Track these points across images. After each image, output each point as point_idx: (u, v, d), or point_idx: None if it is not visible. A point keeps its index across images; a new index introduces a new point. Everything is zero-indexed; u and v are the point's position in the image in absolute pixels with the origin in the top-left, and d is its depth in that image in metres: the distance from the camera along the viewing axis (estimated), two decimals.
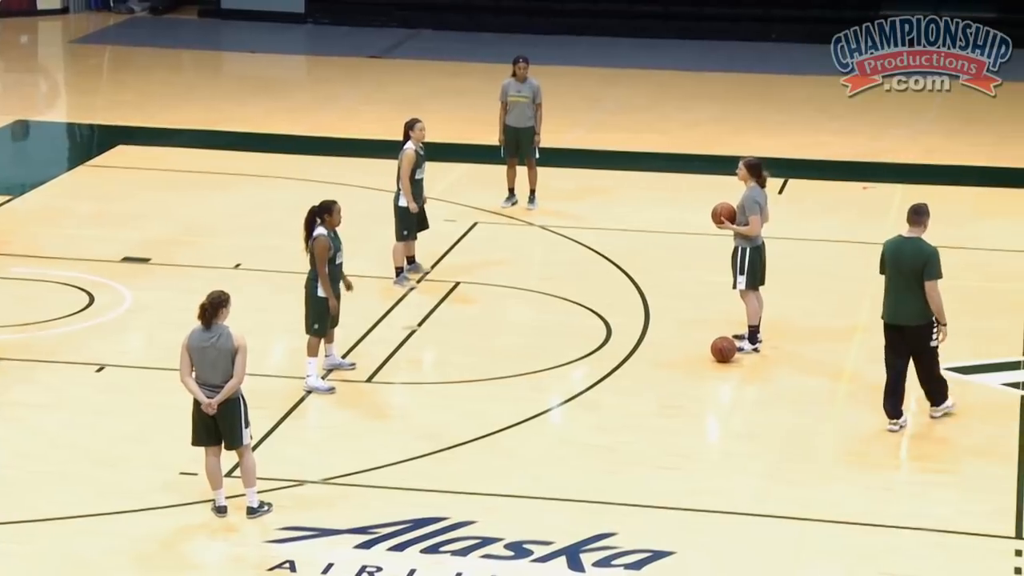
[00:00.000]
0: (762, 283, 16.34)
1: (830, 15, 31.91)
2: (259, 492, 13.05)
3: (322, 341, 15.50)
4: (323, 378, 15.53)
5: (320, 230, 15.16)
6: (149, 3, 34.56)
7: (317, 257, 15.16)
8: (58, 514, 13.01)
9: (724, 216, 16.19)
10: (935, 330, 14.49)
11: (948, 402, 14.95)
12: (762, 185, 16.22)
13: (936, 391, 14.87)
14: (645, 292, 18.07)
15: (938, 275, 14.42)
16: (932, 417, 14.91)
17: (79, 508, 13.10)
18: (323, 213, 15.22)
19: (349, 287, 15.52)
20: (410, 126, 17.97)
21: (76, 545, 12.58)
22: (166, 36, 32.61)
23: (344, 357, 16.02)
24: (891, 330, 14.64)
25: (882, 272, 14.76)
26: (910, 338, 14.52)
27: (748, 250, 16.15)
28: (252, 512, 12.94)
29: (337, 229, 15.37)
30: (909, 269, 14.44)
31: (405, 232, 18.05)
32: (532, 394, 15.50)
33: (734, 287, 16.30)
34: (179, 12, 34.74)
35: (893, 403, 14.65)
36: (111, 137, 24.78)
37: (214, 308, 12.81)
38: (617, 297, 17.94)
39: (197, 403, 12.85)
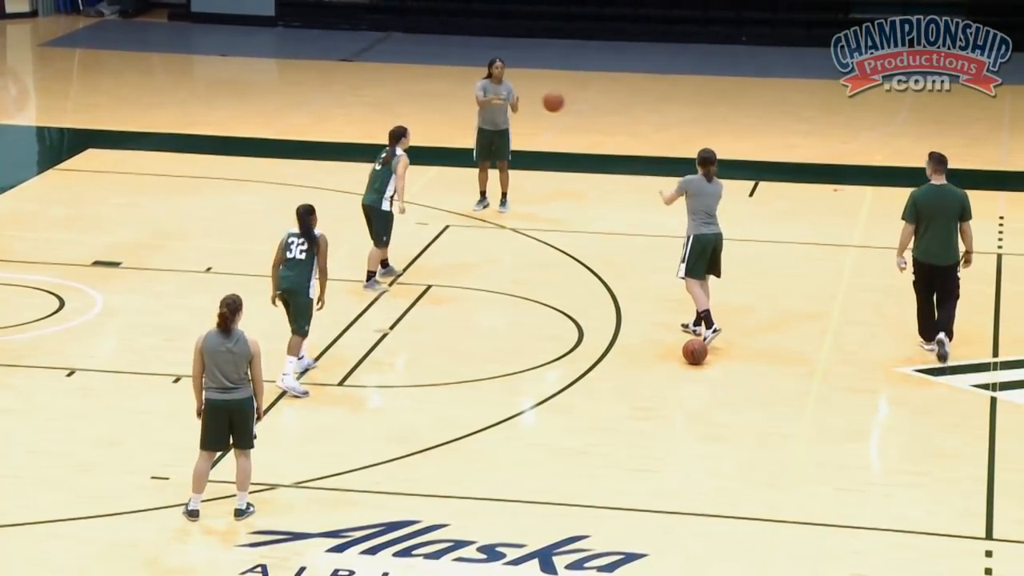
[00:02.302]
0: (716, 275, 16.46)
1: (800, 18, 32.09)
2: (230, 496, 13.03)
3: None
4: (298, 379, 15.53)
5: (319, 230, 15.37)
6: (119, 6, 34.46)
7: (325, 254, 15.34)
8: (29, 519, 12.97)
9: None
10: (961, 256, 16.13)
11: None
12: (707, 177, 16.30)
13: (951, 326, 16.19)
14: (617, 295, 18.10)
15: (971, 215, 16.11)
16: (943, 353, 16.02)
17: (50, 513, 13.06)
18: (312, 214, 15.42)
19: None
20: (403, 133, 18.03)
21: (47, 550, 12.54)
22: (136, 39, 32.52)
23: (316, 360, 16.03)
24: (928, 269, 16.07)
25: (908, 219, 16.03)
26: (946, 276, 16.06)
27: (690, 239, 16.29)
28: (240, 514, 12.95)
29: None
30: (949, 213, 15.99)
31: (385, 238, 18.07)
32: (504, 397, 15.51)
33: (676, 275, 16.42)
34: (149, 15, 34.66)
35: (928, 327, 16.19)
36: (81, 140, 24.71)
37: (233, 313, 12.83)
38: (589, 300, 17.96)
39: (211, 406, 12.82)
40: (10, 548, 12.58)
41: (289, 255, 15.42)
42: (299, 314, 15.44)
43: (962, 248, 16.14)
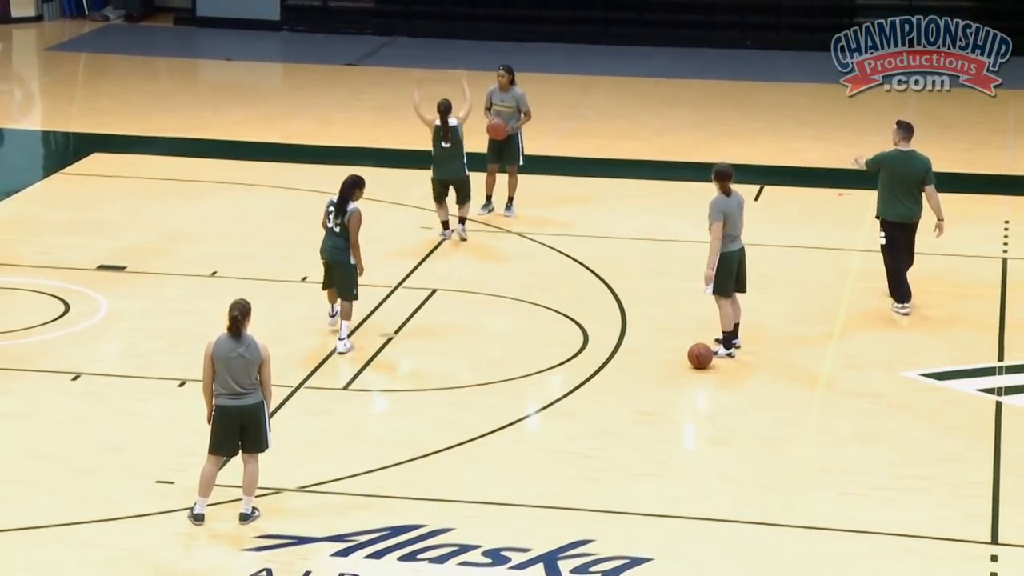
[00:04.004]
0: (740, 291, 16.35)
1: (805, 23, 32.09)
2: (235, 500, 13.04)
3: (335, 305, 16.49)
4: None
5: (355, 204, 16.08)
6: (124, 10, 34.51)
7: (355, 229, 16.10)
8: (32, 523, 12.97)
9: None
10: (934, 227, 17.32)
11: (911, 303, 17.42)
12: (726, 193, 16.20)
13: (907, 288, 17.40)
14: (622, 299, 18.10)
15: (934, 180, 17.35)
16: (901, 313, 17.34)
17: (54, 517, 13.06)
18: (356, 188, 16.20)
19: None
20: (451, 104, 19.27)
21: (51, 554, 12.54)
22: (141, 43, 32.55)
23: (323, 362, 16.08)
24: (896, 227, 17.27)
25: (872, 173, 17.59)
26: (910, 232, 17.31)
27: (718, 256, 16.20)
28: (245, 518, 12.95)
29: None
30: (914, 177, 17.23)
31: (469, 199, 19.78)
32: (509, 401, 15.51)
33: (704, 292, 16.36)
34: (154, 19, 34.70)
35: (902, 291, 17.35)
36: (86, 145, 24.73)
37: (244, 317, 12.86)
38: (594, 304, 17.96)
39: (222, 412, 12.82)
40: (13, 553, 12.58)
41: (328, 224, 16.21)
42: (343, 281, 16.27)
43: (933, 218, 17.25)
